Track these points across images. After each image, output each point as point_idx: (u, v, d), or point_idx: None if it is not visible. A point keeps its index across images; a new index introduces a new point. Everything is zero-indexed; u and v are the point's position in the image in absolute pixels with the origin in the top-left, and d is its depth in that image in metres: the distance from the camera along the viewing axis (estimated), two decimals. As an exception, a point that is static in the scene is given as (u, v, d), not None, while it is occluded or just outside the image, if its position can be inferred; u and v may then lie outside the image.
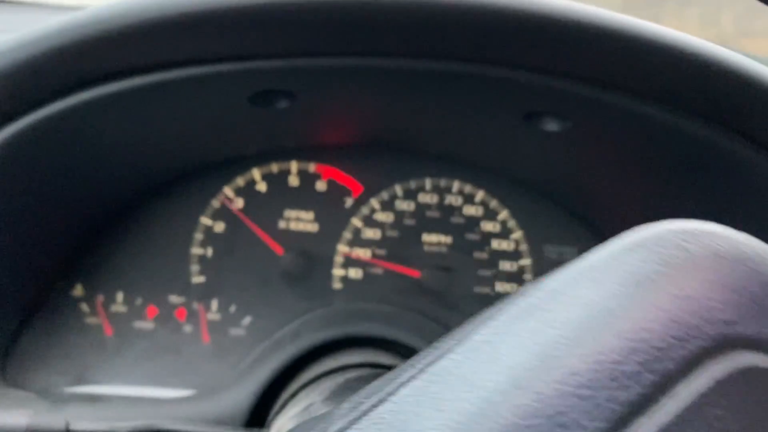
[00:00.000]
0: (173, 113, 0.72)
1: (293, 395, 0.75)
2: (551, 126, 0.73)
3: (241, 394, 0.82)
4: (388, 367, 0.78)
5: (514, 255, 0.97)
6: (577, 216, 0.96)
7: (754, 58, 0.62)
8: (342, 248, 0.96)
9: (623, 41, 0.59)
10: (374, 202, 0.96)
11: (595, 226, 0.96)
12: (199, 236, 0.94)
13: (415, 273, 0.96)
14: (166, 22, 0.57)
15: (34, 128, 0.65)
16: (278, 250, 0.95)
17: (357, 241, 0.97)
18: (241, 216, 0.94)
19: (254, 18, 0.57)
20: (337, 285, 0.96)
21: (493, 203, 0.97)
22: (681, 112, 0.64)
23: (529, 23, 0.58)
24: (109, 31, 0.58)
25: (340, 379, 0.72)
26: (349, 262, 0.96)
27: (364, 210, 0.96)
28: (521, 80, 0.64)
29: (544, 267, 0.97)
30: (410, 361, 0.32)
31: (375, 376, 0.75)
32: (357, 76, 0.68)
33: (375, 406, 0.29)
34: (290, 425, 0.68)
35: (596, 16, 0.58)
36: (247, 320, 0.94)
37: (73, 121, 0.66)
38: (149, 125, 0.75)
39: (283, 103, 0.72)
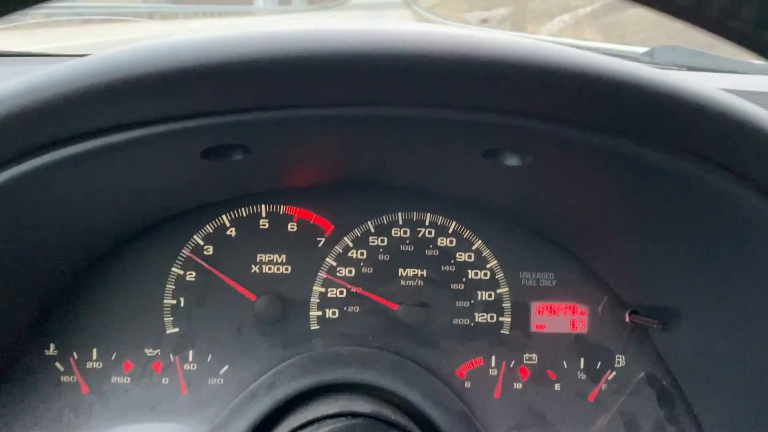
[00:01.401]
0: (127, 173, 0.71)
1: None
2: (511, 161, 0.72)
3: None
4: (363, 416, 0.77)
5: (491, 284, 0.96)
6: (551, 242, 0.95)
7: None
8: (317, 288, 0.95)
9: (576, 78, 0.57)
10: (347, 240, 0.95)
11: (570, 251, 0.94)
12: (170, 287, 0.93)
13: (393, 306, 0.95)
14: (109, 87, 0.57)
15: None
16: (251, 295, 0.94)
17: (332, 280, 0.95)
18: (208, 266, 0.93)
19: (201, 77, 0.57)
20: (314, 326, 0.94)
21: (467, 234, 0.96)
22: (637, 140, 0.63)
23: (481, 66, 0.57)
24: (55, 97, 0.57)
25: None
26: (324, 302, 0.95)
27: (338, 248, 0.95)
28: (476, 121, 0.63)
29: (521, 294, 0.96)
30: None
31: (349, 428, 0.74)
32: (311, 126, 0.66)
33: None
34: None
35: (547, 55, 0.57)
36: (224, 369, 0.92)
37: (31, 185, 0.65)
38: (106, 184, 0.74)
39: (238, 155, 0.71)
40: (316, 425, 0.75)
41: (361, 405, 0.80)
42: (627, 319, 0.94)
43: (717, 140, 0.60)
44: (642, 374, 0.94)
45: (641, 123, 0.59)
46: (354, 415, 0.77)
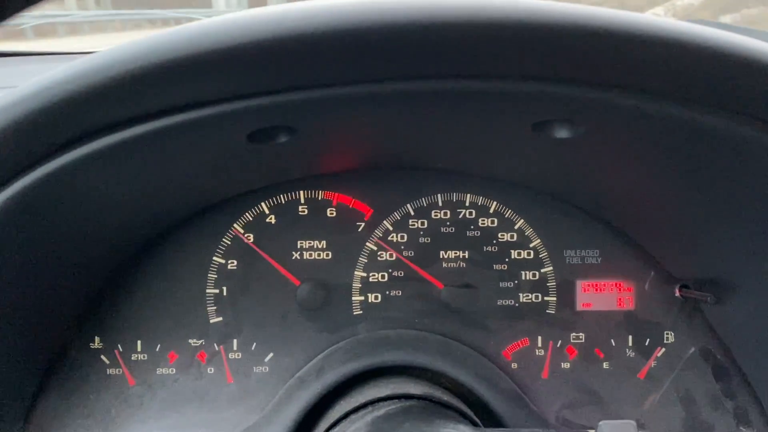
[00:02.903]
0: (172, 159, 0.71)
1: None
2: (561, 133, 0.70)
3: None
4: (416, 398, 0.76)
5: (535, 263, 0.95)
6: (595, 218, 0.93)
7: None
8: (358, 273, 0.94)
9: (629, 40, 0.56)
10: (387, 224, 0.94)
11: (615, 227, 0.93)
12: (212, 276, 0.93)
13: (439, 284, 0.94)
14: (159, 69, 0.56)
15: (34, 187, 0.63)
16: (296, 281, 0.93)
17: (373, 264, 0.94)
18: (257, 248, 0.92)
19: (248, 56, 0.55)
20: (356, 311, 0.94)
21: (508, 213, 0.94)
22: (694, 105, 0.61)
23: (530, 33, 0.55)
24: (105, 81, 0.56)
25: (368, 417, 0.70)
26: (366, 286, 0.94)
27: (377, 232, 0.94)
28: (527, 91, 0.61)
29: (566, 273, 0.94)
30: None
31: (401, 411, 0.73)
32: (358, 104, 0.65)
33: None
34: None
35: (597, 17, 0.56)
36: (269, 357, 0.92)
37: (74, 175, 0.65)
38: (150, 172, 0.74)
39: (283, 138, 0.70)
40: (370, 408, 0.74)
41: (413, 387, 0.79)
42: (677, 294, 0.92)
43: None
44: (693, 349, 0.92)
45: (706, 87, 0.57)
46: (407, 397, 0.76)
